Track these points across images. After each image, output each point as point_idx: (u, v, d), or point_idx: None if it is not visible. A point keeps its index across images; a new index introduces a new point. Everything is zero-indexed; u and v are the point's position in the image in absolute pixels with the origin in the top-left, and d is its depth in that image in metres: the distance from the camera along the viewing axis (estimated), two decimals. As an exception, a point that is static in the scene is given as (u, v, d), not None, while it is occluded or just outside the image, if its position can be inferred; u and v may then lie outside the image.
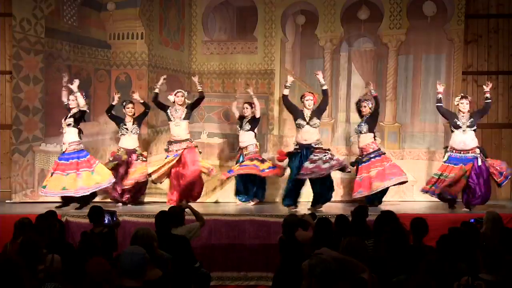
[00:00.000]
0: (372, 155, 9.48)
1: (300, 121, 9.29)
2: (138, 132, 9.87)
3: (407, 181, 9.69)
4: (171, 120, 9.80)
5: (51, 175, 9.40)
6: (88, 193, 9.33)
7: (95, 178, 9.37)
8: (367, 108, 9.57)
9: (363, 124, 9.58)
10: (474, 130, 9.18)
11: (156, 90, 9.84)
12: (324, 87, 9.42)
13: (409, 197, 10.40)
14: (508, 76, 10.93)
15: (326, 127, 10.65)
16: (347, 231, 5.98)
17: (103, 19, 10.81)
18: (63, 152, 9.47)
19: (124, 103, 9.84)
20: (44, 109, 10.50)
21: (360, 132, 9.57)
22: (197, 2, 10.97)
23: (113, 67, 10.82)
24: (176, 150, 9.73)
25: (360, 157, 9.60)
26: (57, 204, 9.31)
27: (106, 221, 6.89)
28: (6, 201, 10.37)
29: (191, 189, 9.77)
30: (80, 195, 9.28)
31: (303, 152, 9.21)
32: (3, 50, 10.81)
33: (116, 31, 10.81)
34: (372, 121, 9.58)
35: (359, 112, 9.71)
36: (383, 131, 10.60)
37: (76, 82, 9.46)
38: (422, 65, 10.76)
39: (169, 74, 10.67)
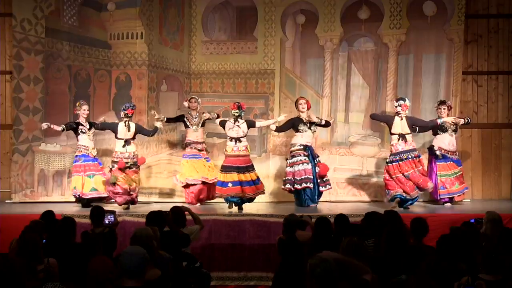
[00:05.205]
0: None
1: (301, 126, 9.54)
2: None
3: None
4: (189, 127, 9.87)
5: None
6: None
7: None
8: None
9: None
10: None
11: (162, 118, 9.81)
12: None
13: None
14: (508, 76, 10.91)
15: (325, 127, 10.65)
16: (347, 231, 5.98)
17: (103, 19, 10.81)
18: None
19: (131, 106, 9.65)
20: (44, 109, 10.50)
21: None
22: (197, 2, 10.97)
23: (113, 67, 10.82)
24: (199, 151, 9.87)
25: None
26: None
27: (107, 222, 6.88)
28: (6, 201, 10.37)
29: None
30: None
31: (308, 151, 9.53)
32: (3, 50, 10.81)
33: (116, 31, 10.80)
34: None
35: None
36: (383, 131, 10.58)
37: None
38: (422, 65, 10.75)
39: (169, 74, 10.66)
